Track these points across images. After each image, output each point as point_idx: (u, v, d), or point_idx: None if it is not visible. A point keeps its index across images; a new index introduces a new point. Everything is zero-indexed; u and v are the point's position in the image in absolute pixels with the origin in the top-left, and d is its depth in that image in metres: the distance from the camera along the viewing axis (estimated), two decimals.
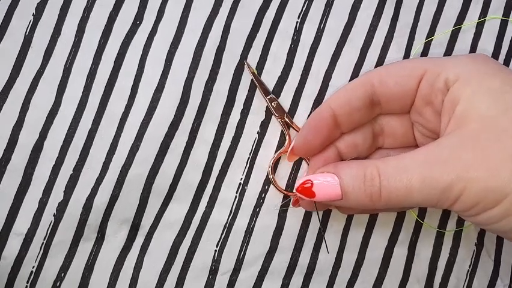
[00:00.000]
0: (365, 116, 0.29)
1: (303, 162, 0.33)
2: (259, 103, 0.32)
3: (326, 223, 0.33)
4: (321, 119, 0.28)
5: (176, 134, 0.31)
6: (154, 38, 0.32)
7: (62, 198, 0.31)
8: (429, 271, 0.33)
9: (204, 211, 0.32)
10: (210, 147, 0.32)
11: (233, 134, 0.32)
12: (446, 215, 0.33)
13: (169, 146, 0.31)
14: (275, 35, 0.32)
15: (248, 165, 0.32)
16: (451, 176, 0.23)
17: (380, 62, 0.33)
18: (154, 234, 0.32)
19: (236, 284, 0.32)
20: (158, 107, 0.31)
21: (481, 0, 0.34)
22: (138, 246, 0.32)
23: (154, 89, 0.31)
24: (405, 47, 0.33)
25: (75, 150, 0.31)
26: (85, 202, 0.31)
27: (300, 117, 0.32)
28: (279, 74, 0.33)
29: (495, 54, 0.34)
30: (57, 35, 0.31)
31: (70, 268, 0.31)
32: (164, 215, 0.32)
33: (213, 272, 0.32)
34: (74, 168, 0.31)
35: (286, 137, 0.32)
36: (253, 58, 0.32)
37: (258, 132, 0.32)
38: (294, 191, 0.27)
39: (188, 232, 0.32)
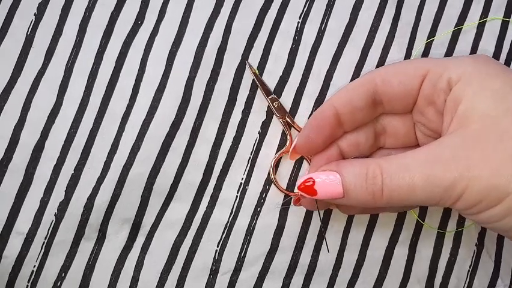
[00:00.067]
0: (367, 115, 0.29)
1: (304, 162, 0.33)
2: (261, 103, 0.32)
3: (326, 223, 0.33)
4: (323, 117, 0.28)
5: (177, 133, 0.31)
6: (156, 38, 0.32)
7: (63, 197, 0.31)
8: (429, 271, 0.33)
9: (205, 211, 0.32)
10: (211, 146, 0.32)
11: (234, 134, 0.32)
12: (446, 215, 0.33)
13: (170, 146, 0.31)
14: (276, 35, 0.33)
15: (249, 165, 0.32)
16: (453, 174, 0.23)
17: (381, 62, 0.33)
18: (155, 233, 0.32)
19: (237, 284, 0.32)
20: (159, 106, 0.31)
21: (482, 0, 0.34)
22: (139, 246, 0.32)
23: (156, 88, 0.31)
24: (406, 47, 0.33)
25: (76, 150, 0.31)
26: (86, 202, 0.31)
27: (302, 117, 0.32)
28: (280, 74, 0.33)
29: (496, 55, 0.34)
30: (58, 35, 0.32)
31: (71, 268, 0.31)
32: (165, 214, 0.32)
33: (214, 271, 0.32)
34: (75, 167, 0.31)
35: (288, 137, 0.32)
36: (254, 58, 0.32)
37: (259, 132, 0.32)
38: (296, 188, 0.27)
39: (189, 232, 0.32)
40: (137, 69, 0.32)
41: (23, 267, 0.31)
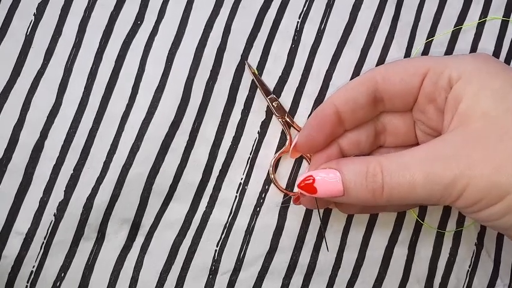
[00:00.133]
0: (368, 113, 0.29)
1: (304, 161, 0.33)
2: (260, 103, 0.32)
3: (326, 223, 0.33)
4: (324, 115, 0.28)
5: (176, 133, 0.31)
6: (155, 38, 0.32)
7: (62, 197, 0.31)
8: (429, 271, 0.33)
9: (204, 211, 0.32)
10: (210, 147, 0.32)
11: (234, 134, 0.32)
12: (446, 214, 0.33)
13: (169, 146, 0.31)
14: (276, 35, 0.33)
15: (248, 165, 0.32)
16: (454, 172, 0.23)
17: (380, 61, 0.33)
18: (155, 233, 0.32)
19: (236, 284, 0.32)
20: (159, 106, 0.31)
21: (481, 0, 0.34)
22: (138, 246, 0.32)
23: (155, 89, 0.31)
24: (406, 46, 0.33)
25: (76, 150, 0.31)
26: (85, 202, 0.31)
27: (301, 117, 0.32)
28: (280, 74, 0.33)
29: (495, 54, 0.34)
30: (58, 35, 0.32)
31: (70, 268, 0.31)
32: (164, 214, 0.32)
33: (213, 272, 0.32)
34: (74, 167, 0.31)
35: (287, 137, 0.32)
36: (254, 58, 0.32)
37: (258, 132, 0.32)
38: (296, 186, 0.27)
39: (188, 232, 0.32)
40: (137, 69, 0.32)
41: (22, 267, 0.31)
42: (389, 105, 0.29)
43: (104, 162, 0.31)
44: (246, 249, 0.32)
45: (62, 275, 0.31)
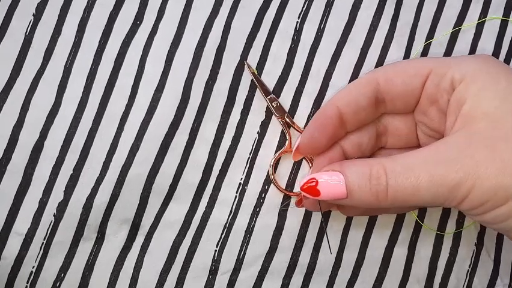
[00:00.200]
0: (370, 114, 0.29)
1: (304, 161, 0.33)
2: (260, 103, 0.32)
3: (326, 223, 0.33)
4: (326, 117, 0.28)
5: (176, 133, 0.31)
6: (155, 38, 0.32)
7: (62, 198, 0.31)
8: (429, 271, 0.33)
9: (204, 211, 0.32)
10: (210, 146, 0.32)
11: (233, 134, 0.32)
12: (445, 215, 0.33)
13: (169, 146, 0.31)
14: (275, 34, 0.33)
15: (248, 165, 0.32)
16: (459, 174, 0.23)
17: (380, 61, 0.33)
18: (154, 234, 0.32)
19: (236, 283, 0.32)
20: (158, 106, 0.31)
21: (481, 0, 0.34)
22: (138, 246, 0.32)
23: (155, 88, 0.31)
24: (405, 46, 0.33)
25: (75, 150, 0.31)
26: (85, 202, 0.31)
27: (301, 117, 0.32)
28: (279, 74, 0.33)
29: (495, 54, 0.34)
30: (57, 35, 0.31)
31: (70, 268, 0.31)
32: (164, 214, 0.32)
33: (213, 271, 0.32)
34: (74, 168, 0.31)
35: (287, 137, 0.32)
36: (253, 58, 0.32)
37: (258, 132, 0.32)
38: (299, 189, 0.27)
39: (188, 232, 0.32)
40: (136, 69, 0.32)
41: (22, 267, 0.31)
42: (390, 107, 0.29)
43: (103, 163, 0.31)
44: (246, 249, 0.32)
45: (62, 275, 0.31)
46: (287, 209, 0.32)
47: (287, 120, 0.32)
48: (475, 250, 0.33)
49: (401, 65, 0.28)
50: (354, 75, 0.33)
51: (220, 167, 0.32)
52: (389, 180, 0.24)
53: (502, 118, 0.23)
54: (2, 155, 0.31)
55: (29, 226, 0.31)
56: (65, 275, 0.31)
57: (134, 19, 0.32)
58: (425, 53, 0.33)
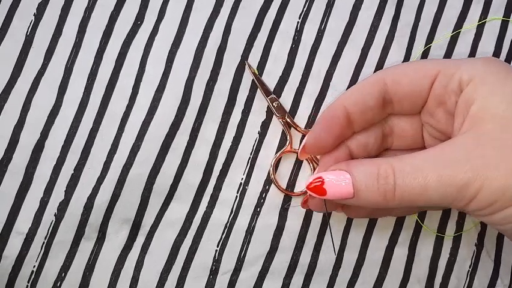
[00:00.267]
0: (376, 115, 0.28)
1: (305, 162, 0.33)
2: (260, 103, 0.32)
3: (326, 223, 0.33)
4: (333, 116, 0.28)
5: (177, 133, 0.31)
6: (155, 38, 0.32)
7: (63, 197, 0.31)
8: (429, 271, 0.33)
9: (205, 211, 0.32)
10: (210, 147, 0.32)
11: (234, 134, 0.32)
12: (445, 216, 0.33)
13: (170, 146, 0.31)
14: (276, 35, 0.33)
15: (249, 165, 0.32)
16: (468, 174, 0.23)
17: (381, 62, 0.33)
18: (155, 233, 0.32)
19: (237, 283, 0.32)
20: (159, 106, 0.31)
21: (481, 0, 0.34)
22: (139, 246, 0.32)
23: (155, 88, 0.31)
24: (406, 46, 0.33)
25: (76, 150, 0.31)
26: (86, 202, 0.31)
27: (301, 118, 0.33)
28: (280, 74, 0.33)
29: (495, 55, 0.34)
30: (58, 35, 0.32)
31: (71, 268, 0.31)
32: (165, 214, 0.32)
33: (214, 271, 0.32)
34: (75, 167, 0.31)
35: (288, 137, 0.32)
36: (254, 58, 0.32)
37: (258, 132, 0.32)
38: (304, 188, 0.27)
39: (189, 232, 0.32)
40: (137, 69, 0.32)
41: (23, 267, 0.31)
42: (397, 108, 0.28)
43: (104, 162, 0.31)
44: (247, 249, 0.32)
45: (63, 275, 0.31)
46: (288, 208, 0.32)
47: (288, 120, 0.32)
48: (475, 251, 0.33)
49: (408, 66, 0.28)
50: (355, 76, 0.33)
51: (220, 167, 0.32)
52: (397, 179, 0.24)
53: (510, 119, 0.23)
54: (3, 154, 0.31)
55: (30, 226, 0.31)
56: (65, 274, 0.31)
57: (135, 20, 0.32)
58: (425, 53, 0.33)
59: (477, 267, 0.33)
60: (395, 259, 0.33)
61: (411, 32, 0.33)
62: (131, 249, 0.32)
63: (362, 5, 0.33)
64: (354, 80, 0.33)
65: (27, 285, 0.31)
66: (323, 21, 0.33)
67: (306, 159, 0.32)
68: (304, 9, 0.33)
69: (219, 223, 0.32)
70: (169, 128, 0.31)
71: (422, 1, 0.33)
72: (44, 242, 0.31)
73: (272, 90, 0.32)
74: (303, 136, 0.32)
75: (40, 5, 0.32)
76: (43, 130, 0.31)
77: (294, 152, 0.32)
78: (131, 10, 0.32)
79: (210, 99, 0.32)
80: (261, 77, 0.32)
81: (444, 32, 0.33)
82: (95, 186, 0.31)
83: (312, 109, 0.33)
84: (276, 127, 0.33)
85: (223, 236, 0.32)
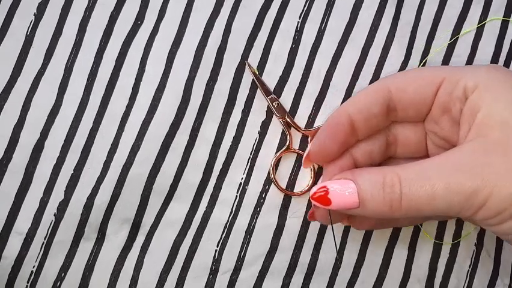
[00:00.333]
0: (381, 122, 0.28)
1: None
2: (260, 103, 0.32)
3: (326, 224, 0.33)
4: (338, 124, 0.27)
5: (177, 133, 0.31)
6: (155, 38, 0.32)
7: (62, 197, 0.31)
8: (429, 271, 0.33)
9: (205, 210, 0.32)
10: (210, 146, 0.32)
11: (234, 134, 0.32)
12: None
13: (170, 146, 0.31)
14: (276, 34, 0.33)
15: (249, 165, 0.32)
16: (476, 182, 0.22)
17: (381, 61, 0.33)
18: (155, 233, 0.32)
19: (237, 283, 0.32)
20: (159, 106, 0.31)
21: (482, 0, 0.34)
22: (139, 246, 0.32)
23: (155, 88, 0.31)
24: (406, 46, 0.33)
25: (76, 150, 0.31)
26: (85, 201, 0.31)
27: (301, 117, 0.33)
28: (280, 74, 0.33)
29: (495, 55, 0.34)
30: (58, 34, 0.31)
31: (71, 268, 0.31)
32: (165, 214, 0.32)
33: (214, 271, 0.32)
34: (75, 167, 0.31)
35: (288, 137, 0.32)
36: (254, 58, 0.32)
37: (259, 132, 0.32)
38: (310, 198, 0.27)
39: (189, 231, 0.32)
40: (137, 69, 0.32)
41: (23, 267, 0.31)
42: (402, 115, 0.28)
43: (104, 162, 0.31)
44: (247, 248, 0.32)
45: (62, 275, 0.31)
46: (288, 207, 0.32)
47: (288, 120, 0.32)
48: (475, 250, 0.33)
49: (413, 73, 0.28)
50: (355, 76, 0.33)
51: (220, 167, 0.32)
52: (403, 188, 0.23)
53: None
54: (2, 154, 0.31)
55: (29, 226, 0.31)
56: (65, 274, 0.31)
57: (135, 19, 0.32)
58: (426, 54, 0.33)
59: (477, 267, 0.33)
60: (395, 259, 0.33)
61: (411, 31, 0.33)
62: (130, 249, 0.32)
63: (363, 5, 0.33)
64: (354, 80, 0.33)
65: (26, 286, 0.31)
66: (323, 20, 0.33)
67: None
68: (305, 8, 0.33)
69: (219, 223, 0.32)
70: (169, 128, 0.31)
71: (422, 0, 0.33)
72: (43, 242, 0.31)
73: (272, 90, 0.32)
74: (303, 136, 0.32)
75: (40, 4, 0.31)
76: (43, 130, 0.31)
77: (294, 152, 0.32)
78: (131, 10, 0.32)
79: (210, 98, 0.32)
80: (261, 76, 0.32)
81: (445, 31, 0.33)
82: (95, 186, 0.31)
83: (312, 109, 0.33)
84: (276, 127, 0.33)
85: (223, 236, 0.32)
